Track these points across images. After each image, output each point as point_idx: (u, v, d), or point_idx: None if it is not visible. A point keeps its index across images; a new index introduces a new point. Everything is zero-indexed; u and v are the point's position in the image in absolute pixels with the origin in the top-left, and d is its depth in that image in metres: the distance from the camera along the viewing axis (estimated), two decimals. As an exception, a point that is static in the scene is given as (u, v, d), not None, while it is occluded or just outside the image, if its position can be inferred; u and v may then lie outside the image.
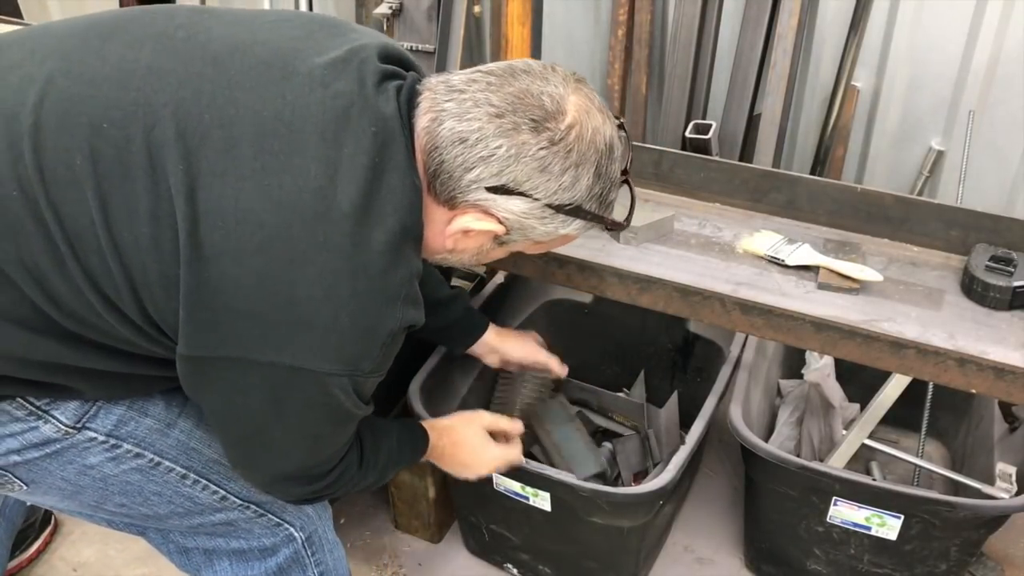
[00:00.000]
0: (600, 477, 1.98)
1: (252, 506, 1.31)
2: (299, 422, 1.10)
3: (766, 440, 1.73)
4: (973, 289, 1.42)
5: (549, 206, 1.08)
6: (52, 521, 2.02)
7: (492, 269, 2.28)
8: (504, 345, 1.76)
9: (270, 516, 1.33)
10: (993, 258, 1.42)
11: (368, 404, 1.15)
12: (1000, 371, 1.28)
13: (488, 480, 1.71)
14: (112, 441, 1.17)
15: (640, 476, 2.06)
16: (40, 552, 1.99)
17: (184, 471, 1.23)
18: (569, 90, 1.07)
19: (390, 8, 2.58)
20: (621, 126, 1.14)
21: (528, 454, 2.03)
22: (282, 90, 1.02)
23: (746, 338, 1.85)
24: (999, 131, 2.18)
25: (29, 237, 1.00)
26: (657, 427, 2.14)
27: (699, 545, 2.01)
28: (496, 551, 1.93)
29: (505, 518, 1.81)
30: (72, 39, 1.08)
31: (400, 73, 1.11)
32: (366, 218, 1.00)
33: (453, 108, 1.04)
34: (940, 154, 2.28)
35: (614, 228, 1.18)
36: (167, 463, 1.22)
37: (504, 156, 1.03)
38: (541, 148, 1.04)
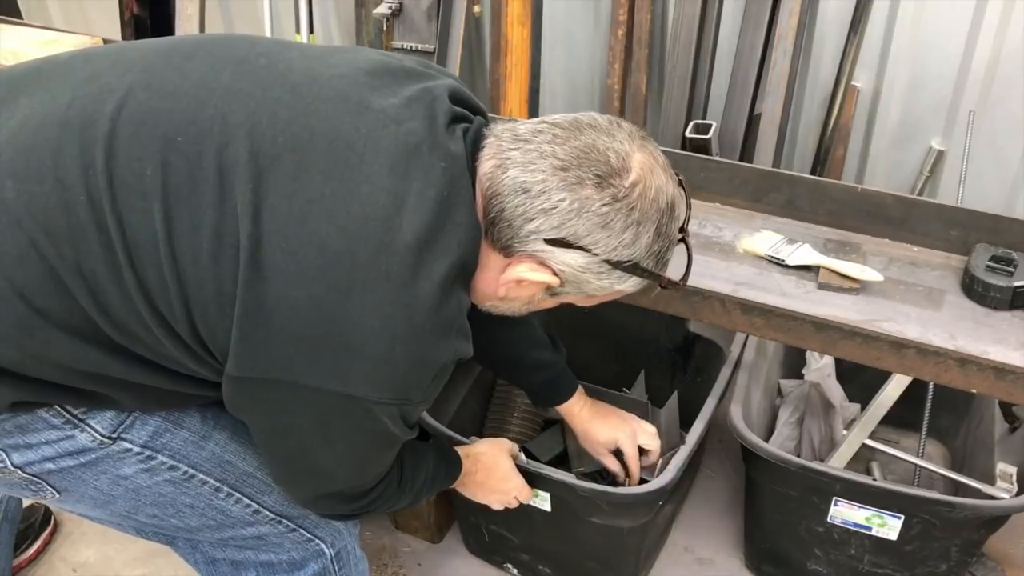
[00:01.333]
0: (606, 475, 1.99)
1: (284, 520, 1.30)
2: (346, 446, 1.11)
3: (766, 440, 1.73)
4: (973, 289, 1.41)
5: (607, 262, 1.07)
6: (51, 521, 2.02)
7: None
8: (590, 424, 1.69)
9: (302, 531, 1.32)
10: (993, 258, 1.42)
11: (413, 429, 1.15)
12: (1000, 371, 1.28)
13: (488, 480, 1.71)
14: (147, 453, 1.16)
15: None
16: (40, 552, 1.99)
17: (218, 484, 1.22)
18: (635, 147, 1.07)
19: (390, 8, 2.58)
20: (681, 183, 1.15)
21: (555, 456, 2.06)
22: (356, 122, 1.02)
23: (746, 338, 1.85)
24: (999, 131, 2.18)
25: (90, 243, 1.00)
26: (657, 427, 2.14)
27: (699, 545, 2.01)
28: (496, 551, 1.93)
29: (505, 518, 1.81)
30: (155, 56, 1.09)
31: (468, 116, 1.12)
32: (429, 251, 1.00)
33: (518, 157, 1.05)
34: (940, 154, 2.27)
35: (669, 287, 1.17)
36: (201, 475, 1.21)
37: (566, 210, 1.03)
38: (604, 204, 1.04)
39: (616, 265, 1.08)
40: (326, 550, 1.36)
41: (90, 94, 1.04)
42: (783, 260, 1.50)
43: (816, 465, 1.62)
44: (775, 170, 1.74)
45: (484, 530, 1.88)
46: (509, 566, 1.93)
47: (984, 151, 2.20)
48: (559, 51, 2.65)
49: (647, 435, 1.68)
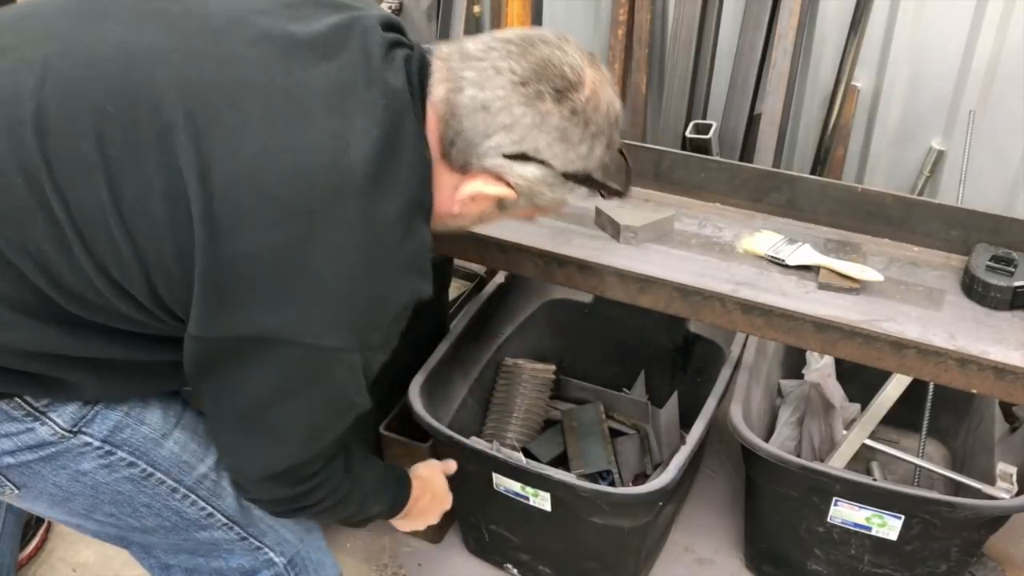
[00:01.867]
0: (606, 476, 1.99)
1: (236, 527, 1.29)
2: (301, 407, 1.09)
3: (766, 440, 1.73)
4: (974, 289, 1.41)
5: (564, 174, 1.09)
6: (46, 519, 2.02)
7: (492, 269, 2.28)
8: None
9: (251, 540, 1.31)
10: (994, 258, 1.42)
11: (367, 398, 1.14)
12: (1000, 371, 1.28)
13: (488, 480, 1.71)
14: (107, 448, 1.16)
15: (639, 477, 2.06)
16: (38, 549, 1.99)
17: (175, 484, 1.22)
18: (585, 62, 1.09)
19: (390, 8, 2.58)
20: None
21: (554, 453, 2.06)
22: (287, 64, 1.01)
23: (746, 338, 1.85)
24: (999, 131, 2.18)
25: (35, 223, 0.98)
26: (657, 427, 2.14)
27: (699, 545, 2.01)
28: (496, 551, 1.93)
29: (505, 518, 1.81)
30: (65, 19, 1.06)
31: (404, 42, 1.11)
32: (380, 191, 1.00)
33: (473, 76, 1.05)
34: (940, 154, 2.27)
35: (615, 196, 1.19)
36: (159, 474, 1.20)
37: (527, 124, 1.04)
38: (563, 118, 1.05)
39: (570, 177, 1.10)
40: (276, 559, 1.34)
41: (5, 71, 1.02)
42: (783, 260, 1.50)
43: (816, 465, 1.62)
44: (775, 170, 1.75)
45: (484, 530, 1.88)
46: (509, 566, 1.93)
47: (984, 151, 2.20)
48: (559, 51, 2.65)
49: None
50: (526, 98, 1.04)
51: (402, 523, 1.49)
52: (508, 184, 1.10)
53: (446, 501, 1.55)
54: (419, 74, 1.08)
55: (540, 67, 1.05)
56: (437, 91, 1.07)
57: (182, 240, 0.98)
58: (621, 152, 1.19)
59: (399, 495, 1.40)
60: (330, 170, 0.98)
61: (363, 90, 1.02)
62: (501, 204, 1.15)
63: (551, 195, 1.13)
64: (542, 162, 1.07)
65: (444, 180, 1.11)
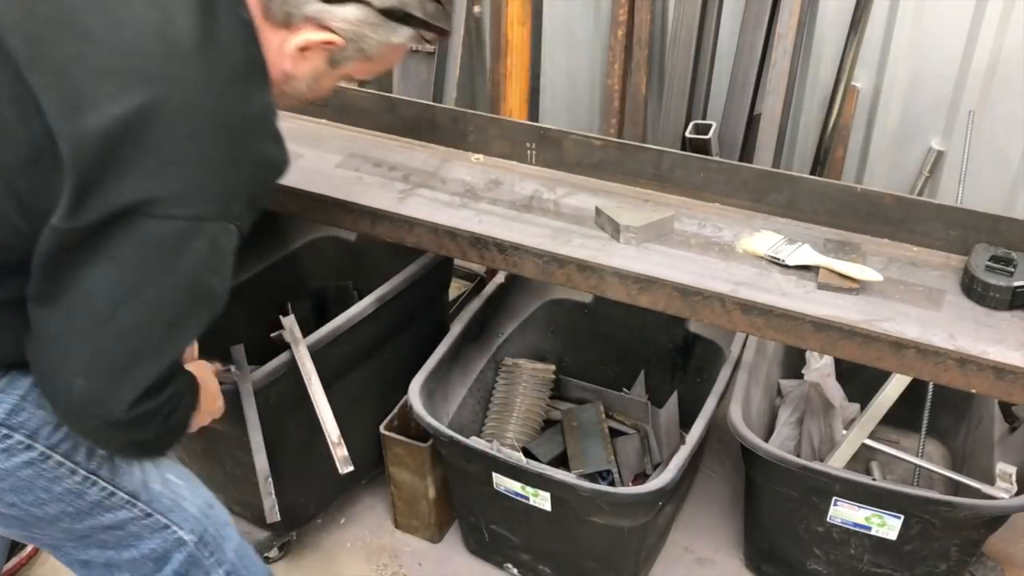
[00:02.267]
0: (606, 476, 1.99)
1: (139, 503, 1.29)
2: (156, 297, 1.07)
3: (766, 440, 1.73)
4: (973, 289, 1.42)
5: (382, 11, 1.16)
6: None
7: (492, 269, 2.28)
8: None
9: (157, 517, 1.30)
10: (993, 258, 1.42)
11: (227, 289, 1.14)
12: (1000, 371, 1.28)
13: (488, 480, 1.72)
14: (3, 431, 1.16)
15: (639, 477, 2.06)
16: (37, 550, 1.99)
17: (73, 466, 1.22)
18: None
19: (390, 8, 2.58)
20: None
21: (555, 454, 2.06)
22: None
23: (746, 338, 1.85)
24: (999, 131, 2.18)
25: None
26: (657, 427, 2.15)
27: (699, 545, 2.01)
28: (496, 551, 1.93)
29: (505, 518, 1.81)
30: None
31: None
32: (212, 52, 1.06)
33: None
34: (940, 154, 2.28)
35: (439, 34, 1.26)
36: (57, 456, 1.20)
37: None
38: None
39: (390, 14, 1.17)
40: (186, 537, 1.33)
41: None
42: (783, 260, 1.50)
43: (816, 465, 1.62)
44: (775, 170, 1.75)
45: (484, 530, 1.88)
46: (509, 566, 1.93)
47: (984, 151, 2.20)
48: (559, 51, 2.65)
49: None
50: None
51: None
52: (332, 30, 1.15)
53: (217, 398, 1.45)
54: None
55: None
56: None
57: (36, 137, 1.01)
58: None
59: (195, 396, 1.32)
60: (158, 38, 1.04)
61: None
62: (332, 59, 1.20)
63: (376, 37, 1.18)
64: (358, 0, 1.14)
65: (271, 41, 1.15)
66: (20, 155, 1.03)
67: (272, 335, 1.75)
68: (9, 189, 1.04)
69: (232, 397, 1.63)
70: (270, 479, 1.66)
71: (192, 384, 1.25)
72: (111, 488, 1.26)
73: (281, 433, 1.74)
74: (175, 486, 1.33)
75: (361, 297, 2.27)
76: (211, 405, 1.42)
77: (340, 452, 1.65)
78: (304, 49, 1.17)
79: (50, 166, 1.02)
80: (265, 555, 1.98)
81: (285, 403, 1.73)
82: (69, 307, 1.07)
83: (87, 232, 1.03)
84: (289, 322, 1.75)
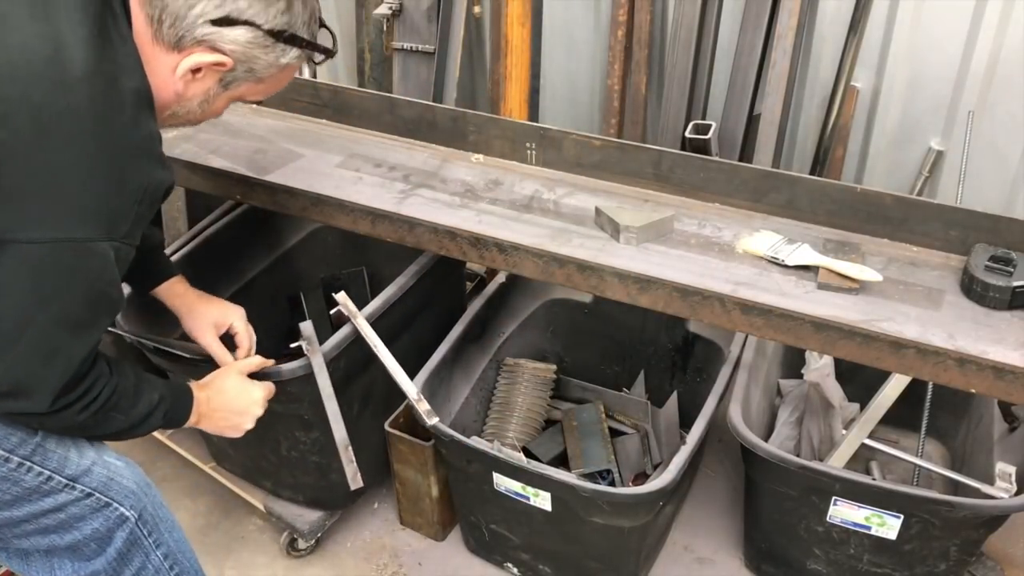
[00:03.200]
0: (606, 475, 1.99)
1: (78, 486, 1.29)
2: (61, 310, 1.12)
3: (766, 440, 1.73)
4: (973, 289, 1.42)
5: (270, 32, 1.20)
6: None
7: (492, 269, 2.28)
8: (199, 302, 1.66)
9: (98, 496, 1.31)
10: (992, 258, 1.42)
11: (122, 293, 1.21)
12: (999, 371, 1.28)
13: (489, 480, 1.72)
14: None
15: (639, 477, 2.07)
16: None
17: (7, 454, 1.22)
18: None
19: (390, 9, 2.58)
20: None
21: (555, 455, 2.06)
22: None
23: (746, 338, 1.85)
24: (999, 131, 2.18)
25: None
26: (657, 427, 2.15)
27: (699, 545, 2.01)
28: (496, 551, 1.93)
29: (505, 518, 1.81)
30: None
31: None
32: (101, 81, 1.08)
33: None
34: (940, 154, 2.28)
35: (325, 55, 1.30)
36: None
37: None
38: None
39: (278, 36, 1.21)
40: (127, 513, 1.34)
41: None
42: (783, 260, 1.50)
43: (815, 465, 1.62)
44: (775, 170, 1.75)
45: (484, 529, 1.88)
46: (509, 565, 1.93)
47: (983, 151, 2.20)
48: (559, 51, 2.65)
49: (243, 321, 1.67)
50: None
51: (211, 429, 1.48)
52: (223, 52, 1.19)
53: (244, 394, 1.51)
54: None
55: None
56: None
57: None
58: (322, 23, 1.32)
59: (178, 404, 1.38)
60: (49, 64, 1.06)
61: None
62: (223, 80, 1.24)
63: (265, 58, 1.22)
64: (247, 23, 1.18)
65: (162, 63, 1.19)
66: None
67: (331, 312, 1.77)
68: None
69: (302, 373, 1.67)
70: (350, 447, 1.69)
71: (122, 377, 1.27)
72: (47, 472, 1.27)
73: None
74: (112, 466, 1.34)
75: (372, 282, 2.30)
76: (236, 406, 1.48)
77: (423, 406, 1.69)
78: (195, 71, 1.20)
79: None
80: (297, 547, 2.00)
81: (342, 379, 1.75)
82: None
83: None
84: (342, 297, 1.77)
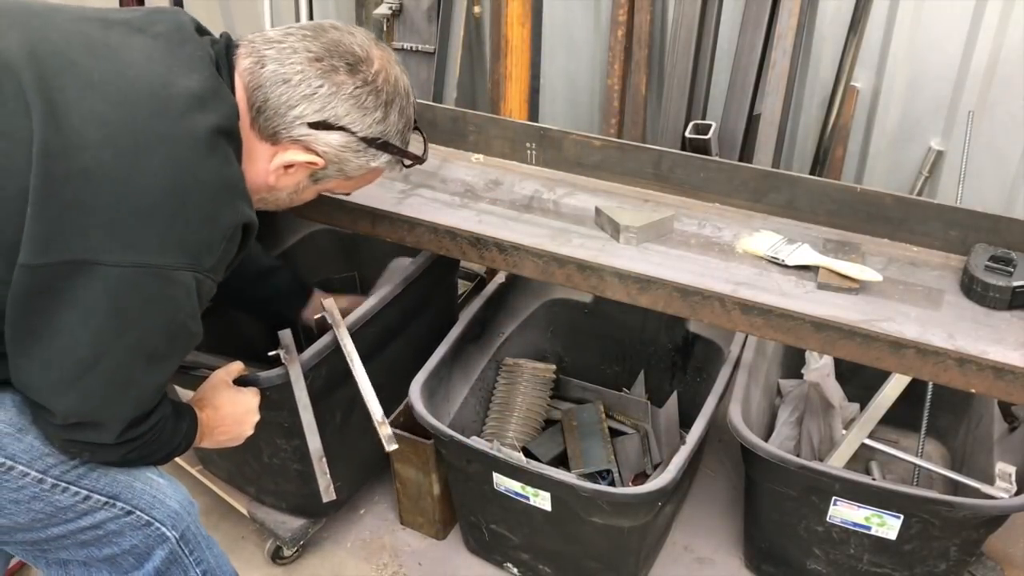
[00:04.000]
0: (606, 475, 1.99)
1: (119, 503, 1.28)
2: (138, 339, 1.12)
3: (766, 440, 1.73)
4: (973, 289, 1.42)
5: (364, 139, 1.24)
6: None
7: (492, 269, 2.28)
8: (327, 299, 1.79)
9: (139, 514, 1.30)
10: (992, 258, 1.42)
11: (201, 326, 1.19)
12: (999, 371, 1.28)
13: (488, 480, 1.72)
14: None
15: (639, 477, 2.07)
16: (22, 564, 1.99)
17: (40, 475, 1.21)
18: (372, 44, 1.25)
19: (390, 9, 2.58)
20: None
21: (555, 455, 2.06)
22: (107, 34, 1.15)
23: (746, 338, 1.85)
24: (998, 131, 2.18)
25: None
26: (657, 427, 2.15)
27: (699, 545, 2.01)
28: (496, 551, 1.93)
29: (505, 518, 1.81)
30: None
31: (210, 32, 1.27)
32: (200, 118, 1.11)
33: (273, 55, 1.20)
34: (940, 154, 2.28)
35: (415, 162, 1.36)
36: (21, 467, 1.19)
37: (325, 94, 1.20)
38: (357, 87, 1.21)
39: (371, 142, 1.25)
40: (168, 533, 1.33)
41: None
42: (783, 260, 1.50)
43: (815, 465, 1.62)
44: (775, 170, 1.75)
45: (484, 529, 1.88)
46: (509, 565, 1.93)
47: (983, 151, 2.20)
48: (559, 51, 2.66)
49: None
50: (322, 71, 1.20)
51: (214, 445, 1.49)
52: (316, 152, 1.23)
53: (249, 417, 1.51)
54: (226, 50, 1.21)
55: (332, 46, 1.21)
56: (243, 63, 1.21)
57: (21, 172, 1.04)
58: (418, 128, 1.37)
59: (192, 418, 1.39)
60: (151, 96, 1.10)
61: (177, 48, 1.16)
62: (313, 175, 1.28)
63: (357, 161, 1.27)
64: (343, 128, 1.22)
65: (256, 150, 1.23)
66: (8, 191, 1.04)
67: (315, 317, 1.77)
68: None
69: (280, 382, 1.65)
70: (324, 459, 1.67)
71: (178, 410, 1.32)
72: (85, 492, 1.25)
73: (318, 418, 1.75)
74: (156, 484, 1.33)
75: (364, 287, 2.29)
76: (232, 416, 1.49)
77: (385, 431, 1.67)
78: (289, 166, 1.25)
79: (25, 204, 1.04)
80: (282, 555, 1.99)
81: (323, 388, 1.75)
82: (50, 357, 1.10)
83: (60, 271, 1.05)
84: (329, 304, 1.76)
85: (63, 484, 1.23)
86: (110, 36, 1.15)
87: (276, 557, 1.98)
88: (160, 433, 1.26)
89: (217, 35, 1.27)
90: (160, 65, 1.13)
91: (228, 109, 1.16)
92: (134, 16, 1.20)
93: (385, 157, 1.30)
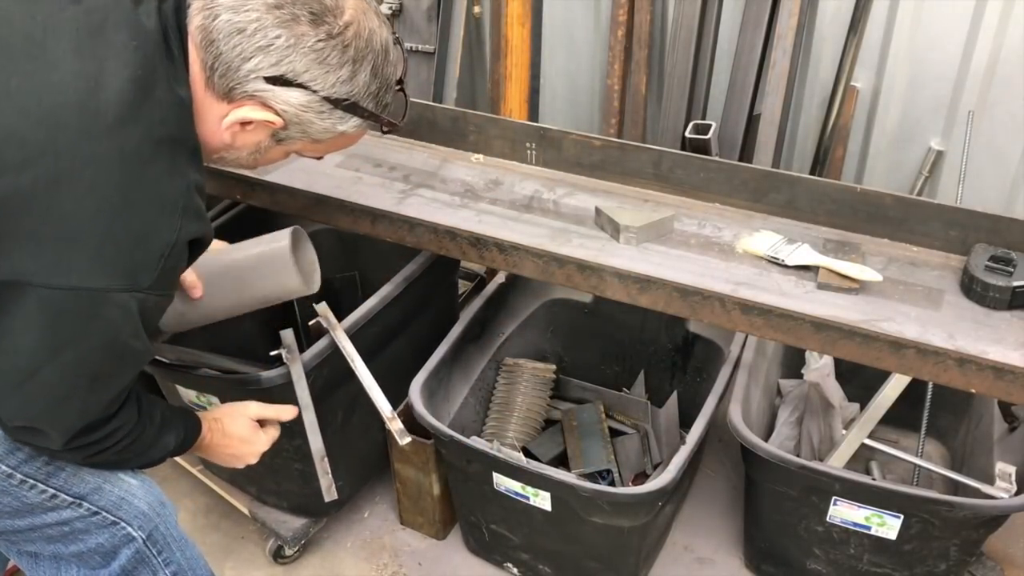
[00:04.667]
0: (606, 475, 1.99)
1: (85, 504, 1.27)
2: (76, 358, 1.09)
3: (766, 440, 1.73)
4: (972, 289, 1.42)
5: (327, 99, 1.11)
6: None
7: (492, 269, 2.28)
8: None
9: (104, 514, 1.29)
10: (992, 258, 1.42)
11: (147, 343, 1.14)
12: (999, 371, 1.28)
13: (488, 480, 1.72)
14: None
15: (639, 477, 2.07)
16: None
17: (10, 471, 1.20)
18: None
19: (390, 9, 2.58)
20: (397, 40, 1.20)
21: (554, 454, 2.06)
22: (31, 9, 1.04)
23: (746, 338, 1.85)
24: (998, 131, 2.18)
25: None
26: (657, 427, 2.15)
27: (699, 545, 2.01)
28: (496, 551, 1.93)
29: (505, 518, 1.81)
30: None
31: None
32: (133, 130, 1.03)
33: (228, 2, 1.07)
34: (940, 154, 2.28)
35: (390, 128, 1.22)
36: None
37: (283, 46, 1.07)
38: (319, 40, 1.08)
39: (336, 104, 1.12)
40: (135, 533, 1.32)
41: None
42: (783, 260, 1.50)
43: (815, 465, 1.62)
44: (775, 170, 1.75)
45: (484, 529, 1.88)
46: (509, 565, 1.93)
47: (983, 151, 2.20)
48: (559, 51, 2.65)
49: None
50: (280, 20, 1.06)
51: (215, 459, 1.47)
52: (275, 111, 1.12)
53: (257, 444, 1.48)
54: (175, 12, 1.10)
55: None
56: (195, 21, 1.09)
57: None
58: (401, 89, 1.21)
59: (189, 435, 1.36)
60: (79, 110, 1.00)
61: (111, 32, 1.04)
62: (276, 136, 1.17)
63: (321, 124, 1.14)
64: (303, 86, 1.09)
65: (212, 111, 1.13)
66: None
67: (310, 323, 1.76)
68: None
69: (281, 381, 1.65)
70: (326, 459, 1.67)
71: (164, 421, 1.28)
72: (52, 491, 1.24)
73: (319, 418, 1.75)
74: (126, 485, 1.31)
75: (364, 287, 2.29)
76: (241, 449, 1.45)
77: (396, 425, 1.66)
78: (245, 123, 1.14)
79: None
80: (283, 555, 1.99)
81: (324, 388, 1.75)
82: None
83: None
84: (322, 308, 1.75)
85: (31, 481, 1.22)
86: (33, 19, 1.04)
87: (277, 556, 1.98)
88: (121, 441, 1.21)
89: None
90: (90, 61, 1.03)
91: (163, 112, 1.07)
92: None
93: (355, 120, 1.16)
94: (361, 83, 1.13)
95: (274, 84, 1.09)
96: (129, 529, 1.32)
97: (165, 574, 1.38)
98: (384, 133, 1.25)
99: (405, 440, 1.67)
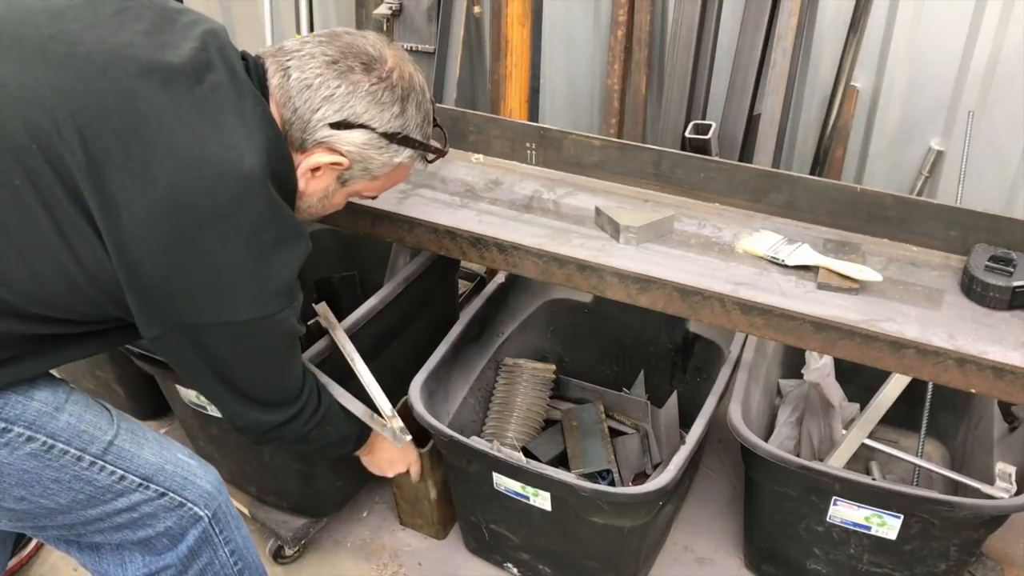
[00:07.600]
0: (606, 475, 1.99)
1: (152, 485, 1.32)
2: (263, 359, 1.29)
3: (766, 440, 1.73)
4: (973, 289, 1.42)
5: (384, 135, 1.27)
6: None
7: (492, 269, 2.28)
8: None
9: (172, 495, 1.34)
10: (992, 258, 1.42)
11: (302, 325, 1.36)
12: (999, 371, 1.28)
13: (488, 480, 1.72)
14: (2, 425, 1.18)
15: (639, 477, 2.07)
16: (38, 549, 1.99)
17: (79, 452, 1.24)
18: (384, 44, 1.29)
19: (390, 9, 2.58)
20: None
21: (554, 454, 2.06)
22: (171, 93, 1.14)
23: (746, 338, 1.85)
24: (998, 131, 2.18)
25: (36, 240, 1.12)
26: (657, 427, 2.15)
27: (699, 545, 2.01)
28: (496, 551, 1.93)
29: (505, 518, 1.81)
30: None
31: (245, 53, 1.29)
32: (273, 187, 1.17)
33: (295, 63, 1.24)
34: (940, 154, 2.28)
35: (437, 155, 1.39)
36: (61, 445, 1.23)
37: (344, 94, 1.23)
38: (372, 84, 1.24)
39: (391, 138, 1.28)
40: (201, 513, 1.37)
41: None
42: (783, 260, 1.50)
43: (815, 465, 1.62)
44: (775, 170, 1.75)
45: (484, 529, 1.88)
46: (509, 565, 1.93)
47: (983, 151, 2.20)
48: (559, 51, 2.65)
49: None
50: (339, 72, 1.23)
51: (369, 463, 1.73)
52: (340, 152, 1.26)
53: (399, 464, 1.77)
54: (258, 73, 1.25)
55: (347, 48, 1.25)
56: (273, 81, 1.24)
57: (102, 257, 1.11)
58: (435, 122, 1.40)
59: (363, 432, 1.62)
60: (232, 178, 1.12)
61: (236, 102, 1.17)
62: (340, 177, 1.31)
63: (380, 158, 1.29)
64: (363, 126, 1.25)
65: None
66: (107, 286, 1.14)
67: (309, 323, 1.76)
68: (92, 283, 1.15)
69: (327, 353, 1.72)
70: (375, 415, 1.69)
71: (331, 403, 1.49)
72: (120, 472, 1.29)
73: None
74: (187, 465, 1.38)
75: (364, 287, 2.29)
76: (394, 460, 1.74)
77: (396, 423, 1.68)
78: (315, 170, 1.27)
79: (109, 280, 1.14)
80: (283, 555, 1.99)
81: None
82: (194, 378, 1.29)
83: (175, 334, 1.18)
84: (322, 308, 1.76)
85: (100, 463, 1.27)
86: (173, 100, 1.13)
87: (277, 556, 1.98)
88: (322, 407, 1.43)
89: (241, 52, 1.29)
90: (226, 133, 1.14)
91: (287, 170, 1.22)
92: (189, 57, 1.17)
93: (407, 152, 1.32)
94: (410, 116, 1.29)
95: (338, 128, 1.24)
96: (196, 509, 1.38)
97: (224, 552, 1.43)
98: (429, 163, 1.41)
99: (404, 439, 1.68)
